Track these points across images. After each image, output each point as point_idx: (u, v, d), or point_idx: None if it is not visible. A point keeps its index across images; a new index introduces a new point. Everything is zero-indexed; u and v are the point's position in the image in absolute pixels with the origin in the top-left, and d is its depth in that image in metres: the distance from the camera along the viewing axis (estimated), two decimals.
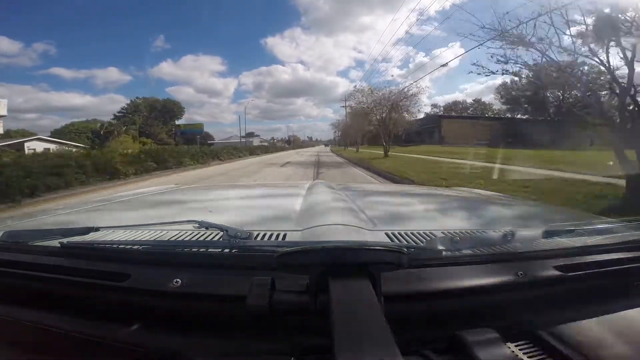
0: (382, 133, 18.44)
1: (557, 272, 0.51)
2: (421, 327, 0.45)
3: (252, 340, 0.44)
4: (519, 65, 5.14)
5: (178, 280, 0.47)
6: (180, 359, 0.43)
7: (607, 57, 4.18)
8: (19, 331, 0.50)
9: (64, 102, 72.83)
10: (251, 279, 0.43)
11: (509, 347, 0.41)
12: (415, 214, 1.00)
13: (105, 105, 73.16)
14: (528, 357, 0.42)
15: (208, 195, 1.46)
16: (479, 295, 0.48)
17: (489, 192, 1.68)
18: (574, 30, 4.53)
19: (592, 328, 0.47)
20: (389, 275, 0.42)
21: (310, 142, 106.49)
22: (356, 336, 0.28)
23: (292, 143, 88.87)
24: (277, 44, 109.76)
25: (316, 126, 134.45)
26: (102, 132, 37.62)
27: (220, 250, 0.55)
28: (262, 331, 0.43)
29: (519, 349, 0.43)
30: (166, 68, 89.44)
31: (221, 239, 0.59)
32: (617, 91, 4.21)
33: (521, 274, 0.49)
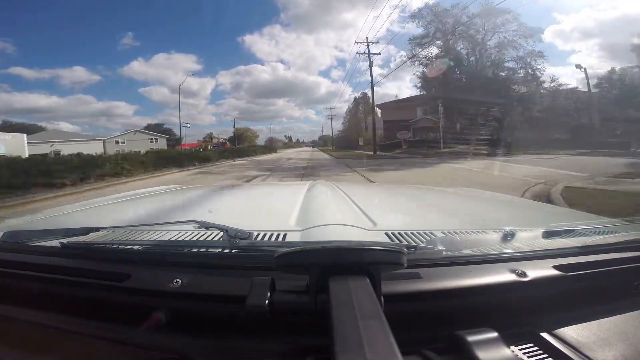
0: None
1: (557, 272, 0.51)
2: (421, 327, 0.45)
3: (252, 340, 0.44)
4: None
5: (178, 280, 0.47)
6: (180, 359, 0.43)
7: None
8: (19, 331, 0.50)
9: (28, 104, 66.21)
10: (251, 279, 0.43)
11: (509, 347, 0.41)
12: (415, 214, 1.01)
13: (74, 106, 67.66)
14: (528, 357, 0.42)
15: (208, 195, 1.45)
16: (479, 295, 0.48)
17: (489, 192, 1.68)
18: None
19: (592, 329, 0.47)
20: (389, 275, 0.42)
21: (287, 144, 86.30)
22: (356, 336, 0.28)
23: (239, 142, 50.59)
24: (255, 42, 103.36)
25: (299, 128, 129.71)
26: None
27: (220, 250, 0.55)
28: (262, 331, 0.43)
29: (519, 349, 0.43)
30: (137, 67, 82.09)
31: (221, 239, 0.59)
32: None
33: (521, 274, 0.49)
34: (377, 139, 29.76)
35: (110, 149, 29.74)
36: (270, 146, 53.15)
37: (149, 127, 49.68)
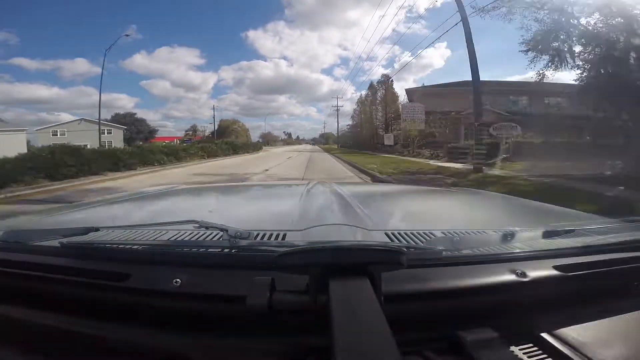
0: None
1: (557, 272, 0.51)
2: (421, 327, 0.45)
3: (252, 340, 0.44)
4: None
5: (178, 280, 0.47)
6: (180, 359, 0.43)
7: None
8: (19, 331, 0.50)
9: (29, 94, 64.87)
10: (251, 279, 0.43)
11: (509, 347, 0.41)
12: (415, 214, 1.01)
13: (75, 98, 65.28)
14: (528, 357, 0.42)
15: (208, 196, 1.46)
16: (479, 295, 0.48)
17: (489, 192, 1.68)
18: None
19: (592, 329, 0.47)
20: (389, 275, 0.42)
21: (286, 141, 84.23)
22: (356, 336, 0.28)
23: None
24: (259, 37, 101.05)
25: (300, 125, 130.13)
26: None
27: (220, 250, 0.55)
28: (262, 331, 0.43)
29: (519, 349, 0.43)
30: (139, 60, 79.05)
31: (221, 239, 0.59)
32: None
33: (521, 274, 0.49)
34: (419, 137, 19.46)
35: (45, 142, 21.21)
36: (253, 143, 37.28)
37: (116, 117, 40.11)
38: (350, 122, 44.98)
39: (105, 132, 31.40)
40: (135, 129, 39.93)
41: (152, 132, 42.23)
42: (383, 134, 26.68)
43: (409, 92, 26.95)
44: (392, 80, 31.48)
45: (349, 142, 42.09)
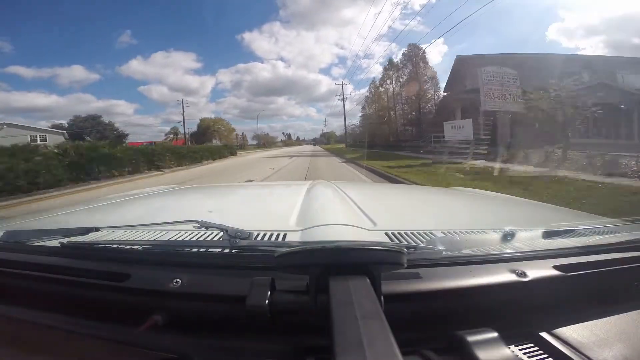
0: None
1: (557, 272, 0.51)
2: (421, 327, 0.45)
3: (252, 340, 0.44)
4: None
5: (178, 280, 0.47)
6: (180, 359, 0.43)
7: None
8: (19, 331, 0.50)
9: (28, 103, 62.60)
10: (251, 279, 0.43)
11: (509, 347, 0.41)
12: (415, 214, 1.01)
13: (74, 105, 63.81)
14: (528, 357, 0.42)
15: (208, 195, 1.46)
16: (479, 295, 0.48)
17: (489, 192, 1.68)
18: None
19: (592, 329, 0.47)
20: (389, 275, 0.42)
21: (286, 142, 79.70)
22: (356, 336, 0.28)
23: None
24: (255, 39, 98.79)
25: (300, 126, 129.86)
26: None
27: (220, 250, 0.55)
28: (262, 331, 0.43)
29: (519, 349, 0.43)
30: (136, 66, 76.69)
31: (221, 239, 0.59)
32: None
33: (521, 274, 0.49)
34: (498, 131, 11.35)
35: None
36: (198, 147, 21.36)
37: (75, 121, 34.50)
38: (354, 121, 38.65)
39: (38, 138, 26.33)
40: (98, 134, 32.95)
41: (120, 136, 34.84)
42: (410, 129, 18.67)
43: (459, 61, 17.91)
44: (424, 52, 21.69)
45: (359, 141, 33.05)
